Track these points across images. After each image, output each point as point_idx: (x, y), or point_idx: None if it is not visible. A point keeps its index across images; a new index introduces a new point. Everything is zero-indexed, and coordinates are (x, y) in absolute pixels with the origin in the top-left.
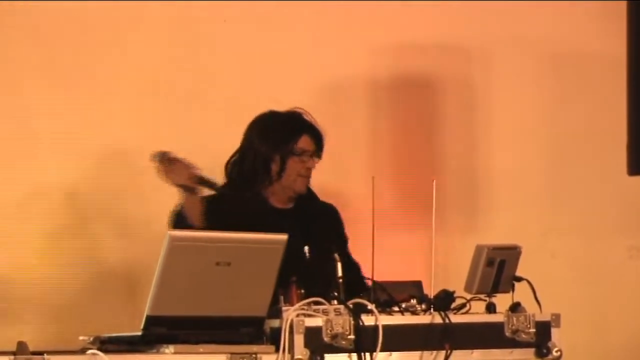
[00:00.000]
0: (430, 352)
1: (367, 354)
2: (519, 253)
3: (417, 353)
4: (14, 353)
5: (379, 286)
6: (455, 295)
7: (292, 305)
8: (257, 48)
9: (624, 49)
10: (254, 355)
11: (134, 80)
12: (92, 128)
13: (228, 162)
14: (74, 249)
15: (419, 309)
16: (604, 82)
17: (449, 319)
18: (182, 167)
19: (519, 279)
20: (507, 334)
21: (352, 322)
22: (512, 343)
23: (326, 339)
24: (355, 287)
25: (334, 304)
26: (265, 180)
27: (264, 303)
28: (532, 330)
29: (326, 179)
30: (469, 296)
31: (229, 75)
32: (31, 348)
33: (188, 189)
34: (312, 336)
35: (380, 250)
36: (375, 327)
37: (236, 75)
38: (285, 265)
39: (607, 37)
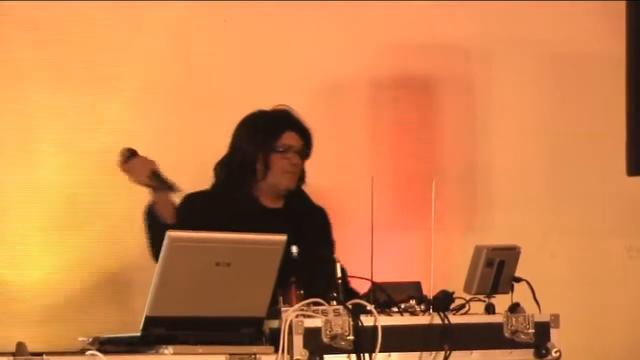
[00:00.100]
0: (429, 352)
1: (367, 355)
2: (518, 254)
3: (416, 354)
4: (13, 354)
5: (378, 287)
6: (454, 295)
7: (291, 306)
8: (257, 48)
9: (623, 49)
10: (253, 356)
11: (134, 80)
12: (93, 128)
13: (217, 164)
14: (74, 249)
15: (418, 309)
16: (604, 82)
17: (448, 320)
18: (142, 165)
19: (518, 280)
20: (506, 334)
21: (351, 322)
22: (511, 344)
23: (325, 339)
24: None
25: (333, 305)
26: (252, 180)
27: (264, 304)
28: (531, 330)
29: (326, 179)
30: (468, 297)
31: (229, 75)
32: (30, 349)
33: (152, 187)
34: (311, 337)
35: (380, 250)
36: (375, 328)
37: (236, 75)
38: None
39: (607, 37)
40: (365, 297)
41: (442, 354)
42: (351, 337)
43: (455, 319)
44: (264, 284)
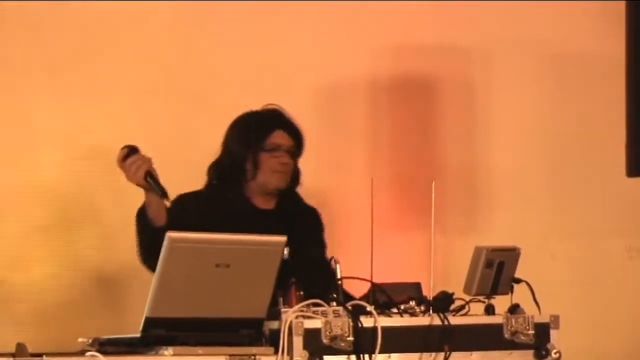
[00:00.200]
0: (429, 353)
1: (366, 356)
2: (518, 254)
3: (416, 355)
4: (13, 355)
5: (378, 288)
6: (454, 296)
7: (291, 306)
8: (257, 48)
9: (623, 49)
10: (253, 357)
11: (133, 80)
12: (92, 128)
13: (210, 165)
14: (74, 249)
15: (418, 310)
16: (604, 82)
17: (448, 321)
18: (138, 164)
19: (518, 281)
20: (506, 335)
21: (351, 323)
22: (511, 345)
23: (325, 340)
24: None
25: (333, 306)
26: (242, 180)
27: (263, 304)
28: (531, 331)
29: (326, 179)
30: (468, 298)
31: (228, 76)
32: (30, 350)
33: (145, 188)
34: (311, 338)
35: (379, 251)
36: (374, 329)
37: (236, 76)
38: None
39: (607, 37)
40: (365, 298)
41: (442, 355)
42: (351, 338)
43: (455, 319)
44: (264, 285)
